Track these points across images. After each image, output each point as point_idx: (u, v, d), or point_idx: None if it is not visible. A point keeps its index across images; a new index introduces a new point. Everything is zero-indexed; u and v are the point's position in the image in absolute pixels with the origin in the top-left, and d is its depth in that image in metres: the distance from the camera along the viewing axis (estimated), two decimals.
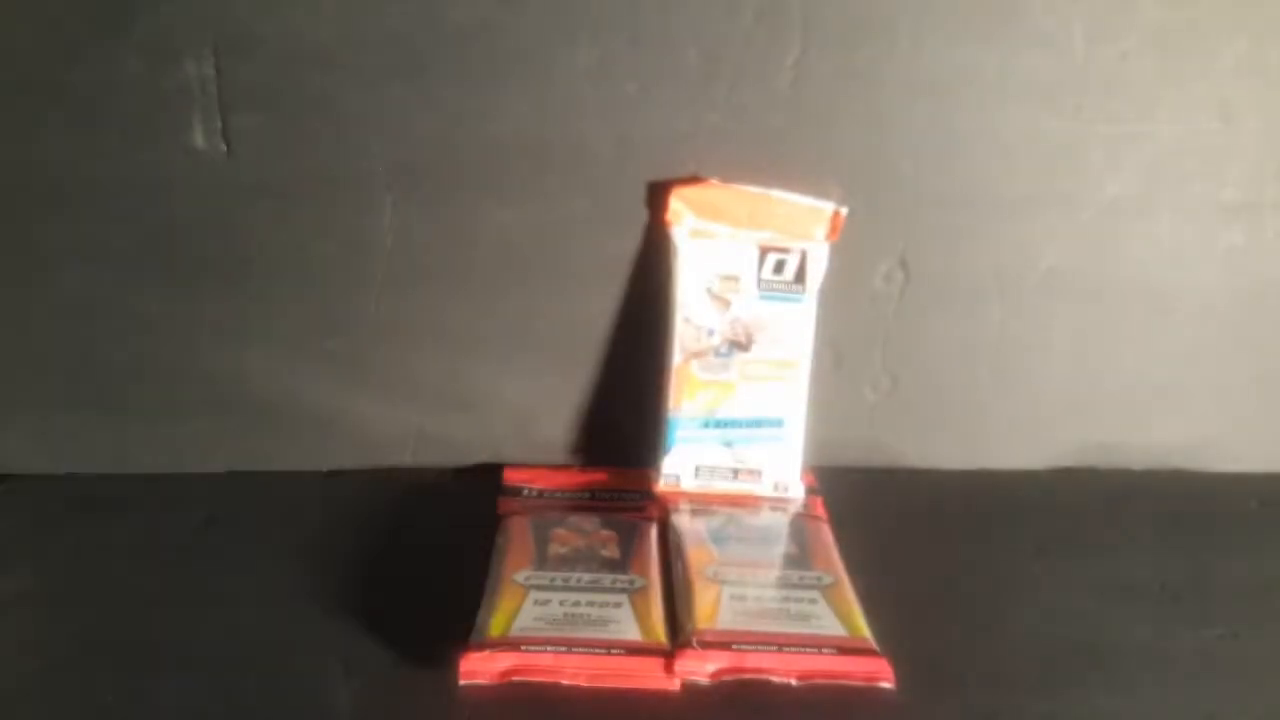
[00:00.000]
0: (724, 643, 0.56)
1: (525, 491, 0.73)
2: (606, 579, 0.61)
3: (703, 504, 0.71)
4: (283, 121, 0.67)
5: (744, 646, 0.55)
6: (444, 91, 0.67)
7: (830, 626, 0.58)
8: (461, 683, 0.54)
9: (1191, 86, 0.69)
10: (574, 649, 0.55)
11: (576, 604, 0.59)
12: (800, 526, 0.69)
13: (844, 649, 0.56)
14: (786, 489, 0.72)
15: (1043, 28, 0.67)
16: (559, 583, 0.61)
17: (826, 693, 0.54)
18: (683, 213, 0.70)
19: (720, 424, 0.72)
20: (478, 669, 0.54)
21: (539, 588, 0.60)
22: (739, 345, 0.71)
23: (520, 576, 0.61)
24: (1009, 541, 0.70)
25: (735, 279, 0.70)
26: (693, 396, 0.71)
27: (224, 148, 0.68)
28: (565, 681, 0.54)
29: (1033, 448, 0.78)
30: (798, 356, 0.72)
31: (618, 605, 0.59)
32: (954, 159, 0.70)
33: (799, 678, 0.54)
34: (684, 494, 0.72)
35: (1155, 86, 0.69)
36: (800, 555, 0.65)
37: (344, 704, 0.54)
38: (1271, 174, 0.72)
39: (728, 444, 0.72)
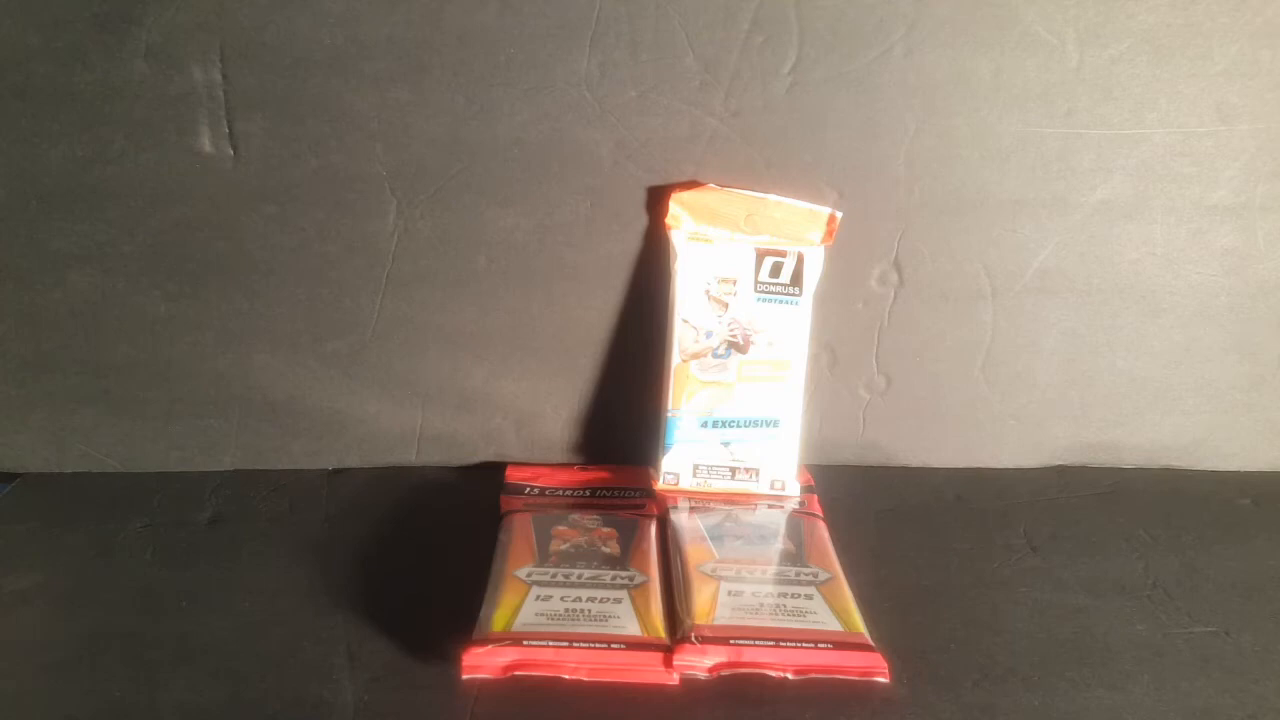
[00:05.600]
0: (722, 638, 0.56)
1: (527, 489, 0.74)
2: (607, 575, 0.62)
3: (701, 502, 0.72)
4: (288, 126, 0.68)
5: (741, 642, 0.56)
6: (446, 96, 0.68)
7: (826, 622, 0.58)
8: (464, 677, 0.54)
9: (1183, 90, 0.70)
10: (575, 644, 0.55)
11: (577, 600, 0.59)
12: (797, 524, 0.70)
13: (840, 644, 0.56)
14: (783, 487, 0.73)
15: (1036, 33, 0.68)
16: (560, 579, 0.61)
17: (822, 687, 0.55)
18: (681, 216, 0.71)
19: (718, 423, 0.73)
20: (480, 663, 0.55)
21: (541, 584, 0.61)
22: (737, 346, 0.72)
23: (522, 572, 0.62)
24: (1002, 539, 0.71)
25: (733, 281, 0.71)
26: (691, 397, 0.72)
27: (230, 152, 0.69)
28: (566, 676, 0.54)
29: (1025, 446, 0.79)
30: (794, 357, 0.72)
31: (618, 601, 0.59)
32: (947, 163, 0.71)
33: (795, 672, 0.55)
34: (683, 492, 0.73)
35: (1147, 90, 0.70)
36: (797, 552, 0.66)
37: (349, 698, 0.55)
38: (1263, 176, 0.72)
39: (725, 443, 0.73)
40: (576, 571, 0.62)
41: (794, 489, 0.73)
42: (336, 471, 0.78)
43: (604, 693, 0.54)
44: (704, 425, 0.72)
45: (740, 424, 0.73)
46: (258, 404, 0.75)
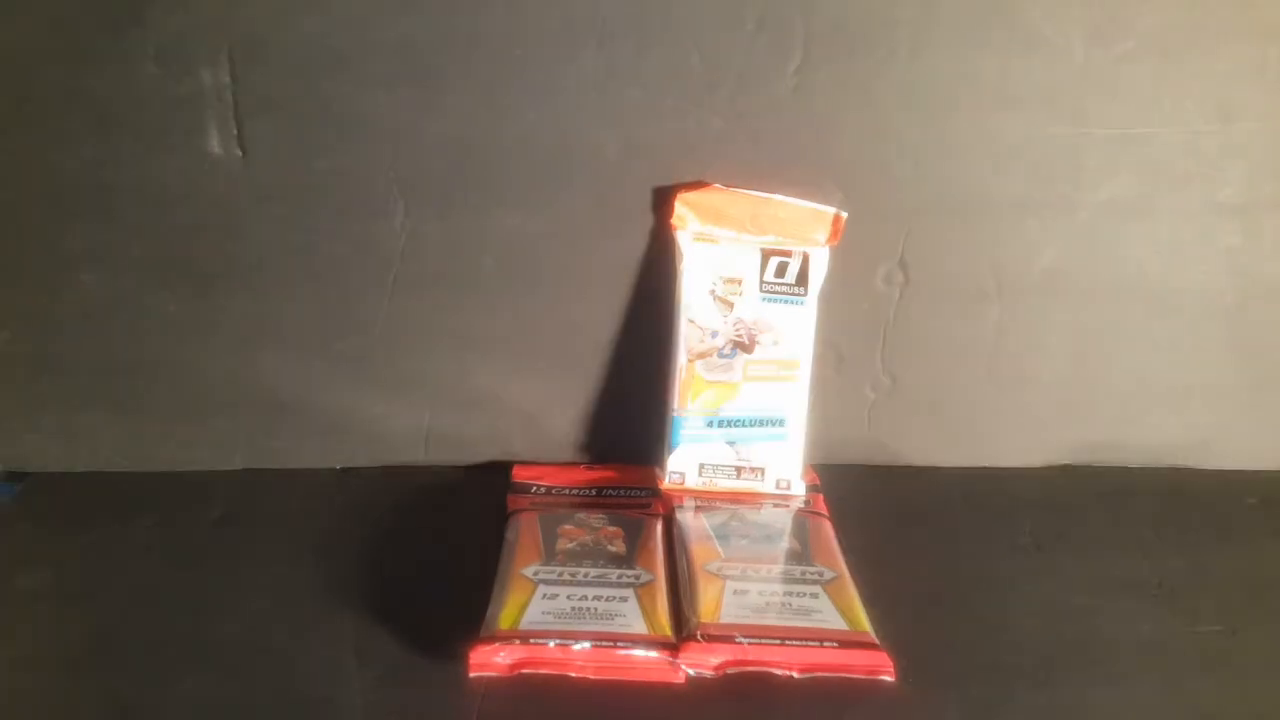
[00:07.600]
0: (728, 636, 0.57)
1: (534, 488, 0.74)
2: (613, 574, 0.62)
3: (707, 501, 0.72)
4: (297, 127, 0.69)
5: (747, 640, 0.56)
6: (454, 98, 0.68)
7: (832, 621, 0.58)
8: (471, 675, 0.55)
9: (1189, 89, 0.70)
10: (581, 642, 0.56)
11: (584, 598, 0.59)
12: (802, 523, 0.70)
13: (845, 643, 0.57)
14: (788, 486, 0.73)
15: (1042, 33, 0.68)
16: (567, 577, 0.62)
17: (828, 685, 0.55)
18: (687, 216, 0.71)
19: (724, 423, 0.73)
20: (487, 661, 0.55)
21: (547, 582, 0.61)
22: (742, 346, 0.72)
23: (529, 571, 0.62)
24: (1008, 538, 0.71)
25: (738, 281, 0.71)
26: (697, 396, 0.72)
27: (239, 153, 0.69)
28: (573, 674, 0.55)
29: (1031, 446, 0.79)
30: (799, 357, 0.73)
31: (624, 599, 0.60)
32: (953, 162, 0.71)
33: (801, 671, 0.55)
34: (688, 491, 0.73)
35: (1153, 90, 0.70)
36: (802, 551, 0.66)
37: (356, 695, 0.55)
38: (1269, 175, 0.72)
39: (731, 443, 0.73)
40: (583, 570, 0.62)
41: (799, 488, 0.73)
42: (345, 471, 0.78)
43: (610, 690, 0.55)
44: (710, 425, 0.73)
45: (746, 423, 0.73)
46: (266, 404, 0.76)
